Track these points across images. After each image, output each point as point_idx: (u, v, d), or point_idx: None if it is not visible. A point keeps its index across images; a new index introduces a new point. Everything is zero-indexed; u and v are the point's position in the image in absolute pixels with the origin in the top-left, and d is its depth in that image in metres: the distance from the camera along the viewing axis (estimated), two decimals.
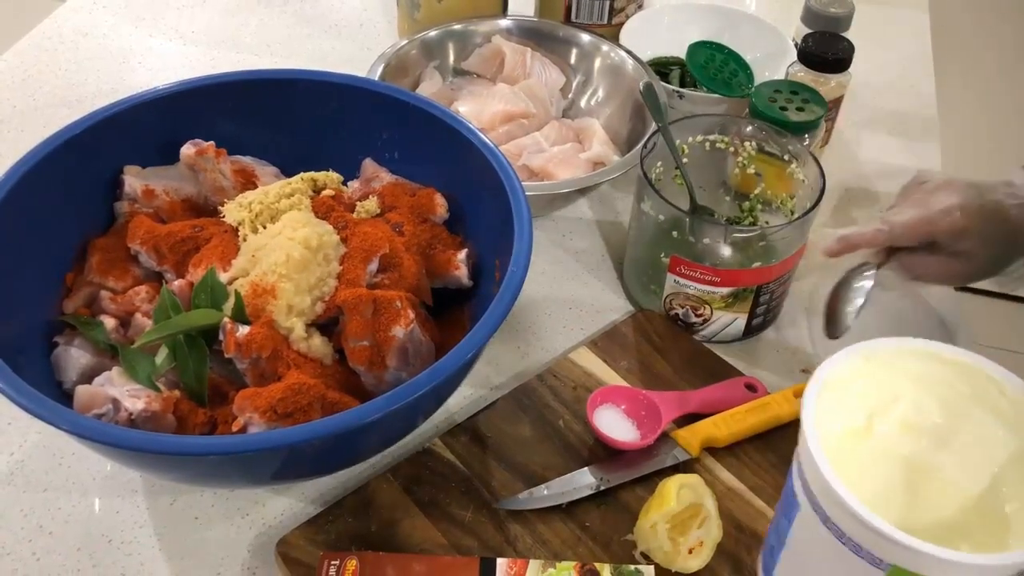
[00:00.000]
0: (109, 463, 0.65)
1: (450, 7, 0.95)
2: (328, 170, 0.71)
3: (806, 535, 0.49)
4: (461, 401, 0.69)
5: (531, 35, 0.94)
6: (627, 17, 0.98)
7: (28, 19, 1.13)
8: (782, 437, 0.65)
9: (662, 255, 0.71)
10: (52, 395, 0.50)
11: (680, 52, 0.94)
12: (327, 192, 0.69)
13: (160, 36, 1.09)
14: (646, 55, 0.93)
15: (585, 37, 0.93)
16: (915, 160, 0.95)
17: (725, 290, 0.70)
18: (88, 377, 0.59)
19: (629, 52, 0.90)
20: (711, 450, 0.64)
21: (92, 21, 1.10)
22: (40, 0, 1.36)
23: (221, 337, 0.57)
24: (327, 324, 0.61)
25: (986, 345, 0.88)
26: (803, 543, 0.50)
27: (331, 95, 0.72)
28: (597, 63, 0.92)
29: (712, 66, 0.91)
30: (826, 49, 0.85)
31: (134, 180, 0.68)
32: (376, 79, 0.84)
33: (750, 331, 0.74)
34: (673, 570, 0.57)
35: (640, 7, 1.01)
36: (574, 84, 0.94)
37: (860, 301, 0.66)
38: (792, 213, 0.75)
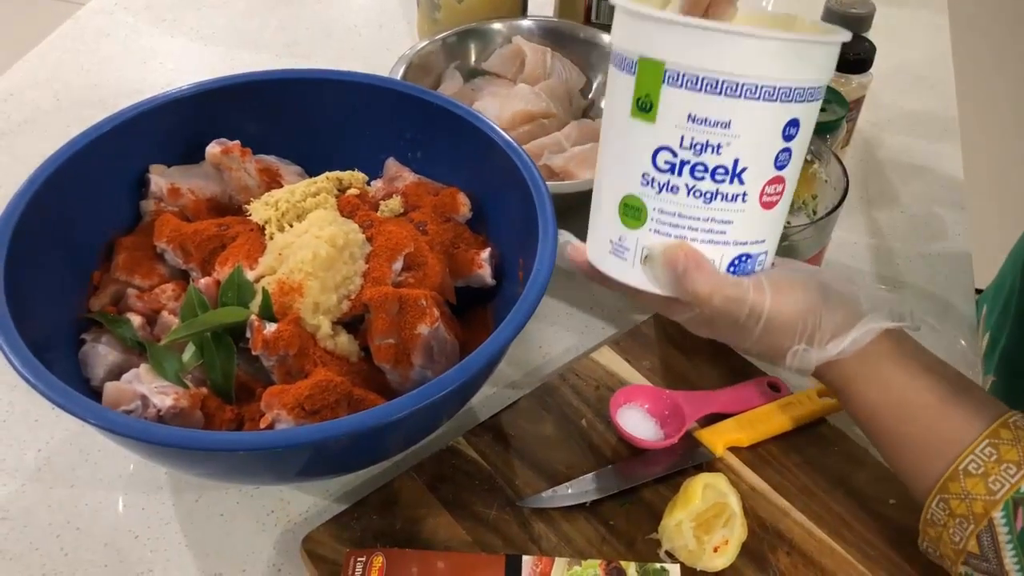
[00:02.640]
0: (134, 461, 0.65)
1: (470, 8, 0.96)
2: (352, 169, 0.72)
3: (608, 105, 0.53)
4: (483, 399, 0.69)
5: (551, 36, 0.95)
6: None
7: (50, 22, 1.14)
8: (806, 437, 0.65)
9: None
10: (80, 392, 0.51)
11: None
12: (352, 191, 0.69)
13: (181, 37, 1.09)
14: None
15: (605, 38, 0.93)
16: (936, 160, 0.95)
17: None
18: (116, 374, 0.59)
19: None
20: (735, 450, 0.64)
21: (113, 22, 1.11)
22: (61, 4, 1.37)
23: (248, 334, 0.58)
24: (353, 322, 0.61)
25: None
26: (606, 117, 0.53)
27: (354, 95, 0.72)
28: None
29: None
30: (847, 49, 0.85)
31: (159, 179, 0.68)
32: (398, 79, 0.84)
33: None
34: (698, 568, 0.57)
35: None
36: (594, 84, 0.94)
37: None
38: (814, 213, 0.75)
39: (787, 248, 0.69)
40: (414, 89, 0.72)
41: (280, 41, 1.09)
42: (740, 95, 0.47)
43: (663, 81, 0.48)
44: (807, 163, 0.75)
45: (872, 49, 0.86)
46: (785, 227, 0.72)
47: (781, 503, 0.61)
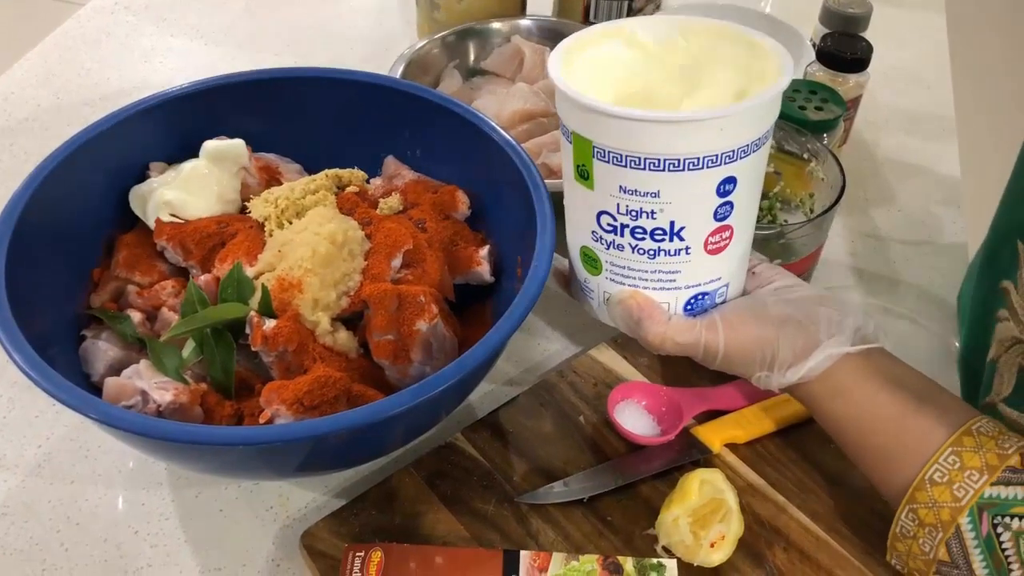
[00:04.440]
0: (134, 457, 0.65)
1: (469, 7, 0.96)
2: (352, 167, 0.72)
3: (563, 166, 0.54)
4: (481, 396, 0.70)
5: (550, 35, 0.95)
6: None
7: (51, 21, 1.15)
8: (802, 433, 0.65)
9: None
10: (81, 387, 0.51)
11: None
12: (351, 189, 0.70)
13: (181, 36, 1.10)
14: None
15: None
16: (932, 160, 0.95)
17: None
18: (116, 370, 0.60)
19: None
20: (732, 446, 0.64)
21: (114, 21, 1.11)
22: (62, 4, 1.38)
23: (248, 330, 0.58)
24: (352, 318, 0.61)
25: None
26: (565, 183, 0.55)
27: (354, 93, 0.73)
28: None
29: None
30: (845, 49, 0.86)
31: (160, 176, 0.68)
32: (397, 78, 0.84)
33: None
34: (695, 564, 0.57)
35: (658, 7, 1.01)
36: None
37: None
38: (811, 212, 0.75)
39: (784, 247, 0.70)
40: (413, 87, 0.72)
41: (280, 40, 1.09)
42: (664, 169, 0.48)
43: (593, 156, 0.50)
44: (804, 161, 0.75)
45: (869, 49, 0.86)
46: (781, 225, 0.73)
47: (778, 499, 0.61)
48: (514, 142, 0.66)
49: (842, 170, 0.71)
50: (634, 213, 0.50)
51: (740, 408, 0.66)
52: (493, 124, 0.68)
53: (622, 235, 0.52)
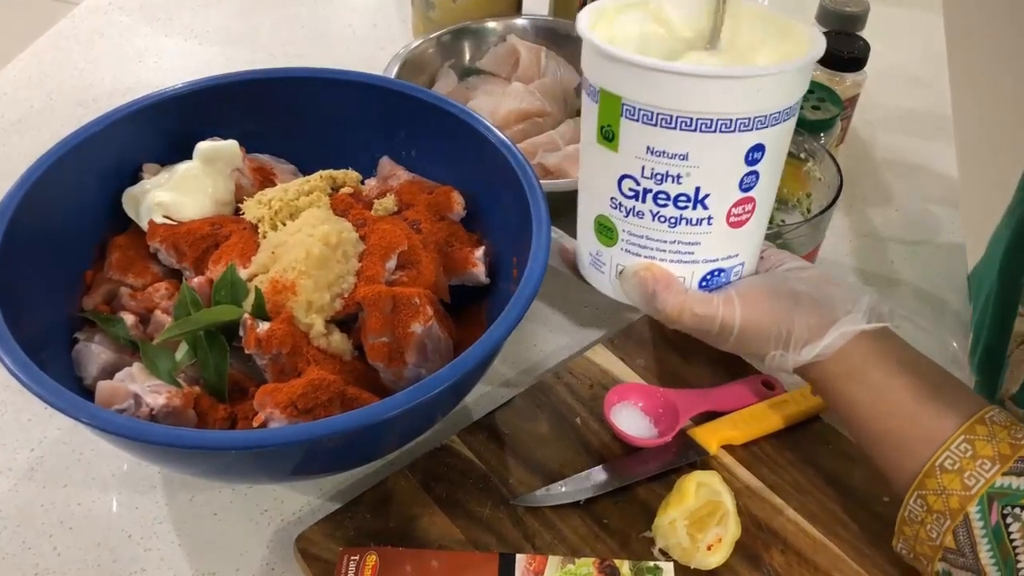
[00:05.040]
0: (127, 460, 0.65)
1: (465, 6, 0.96)
2: (346, 168, 0.72)
3: (582, 127, 0.53)
4: (477, 398, 0.69)
5: (546, 34, 0.94)
6: None
7: (44, 21, 1.14)
8: (800, 434, 0.65)
9: None
10: (73, 391, 0.50)
11: None
12: (345, 190, 0.69)
13: (176, 36, 1.09)
14: None
15: None
16: (930, 159, 0.95)
17: None
18: (109, 373, 0.59)
19: None
20: (728, 448, 0.64)
21: (108, 21, 1.11)
22: (56, 4, 1.37)
23: (241, 333, 0.58)
24: (346, 320, 0.61)
25: None
26: (582, 137, 0.54)
27: (348, 93, 0.72)
28: None
29: None
30: (842, 48, 0.85)
31: (153, 178, 0.68)
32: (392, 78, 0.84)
33: None
34: (692, 567, 0.57)
35: None
36: None
37: None
38: (808, 211, 0.75)
39: (782, 247, 0.69)
40: (408, 87, 0.72)
41: (275, 40, 1.09)
42: (696, 129, 0.48)
43: (621, 114, 0.49)
44: (801, 161, 0.75)
45: (866, 48, 0.86)
46: (779, 225, 0.73)
47: (775, 501, 0.61)
48: (509, 142, 0.66)
49: (839, 170, 0.71)
50: (659, 177, 0.49)
51: (737, 409, 0.66)
52: (488, 124, 0.68)
53: (644, 200, 0.51)
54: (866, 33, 0.89)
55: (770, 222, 0.77)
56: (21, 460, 0.65)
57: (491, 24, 0.94)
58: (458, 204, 0.69)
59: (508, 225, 0.65)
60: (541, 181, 0.64)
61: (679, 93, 0.47)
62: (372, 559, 0.55)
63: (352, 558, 0.55)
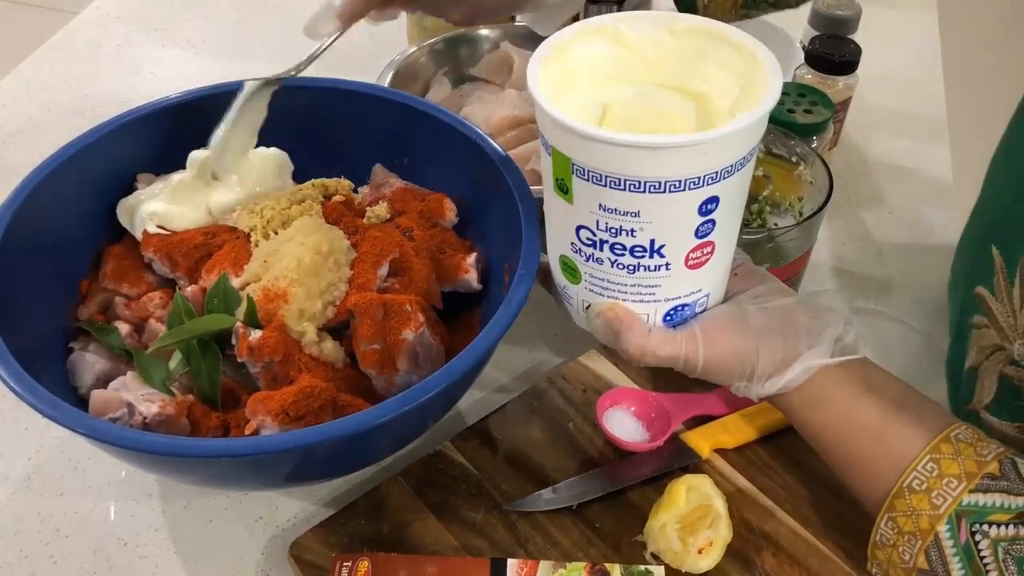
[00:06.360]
0: (124, 468, 0.65)
1: None
2: (338, 177, 0.72)
3: (543, 174, 0.53)
4: (471, 404, 0.70)
5: (539, 42, 0.94)
6: None
7: (42, 33, 1.15)
8: (791, 438, 0.65)
9: None
10: (68, 400, 0.51)
11: None
12: (337, 198, 0.70)
13: (172, 46, 1.10)
14: None
15: None
16: (924, 162, 0.95)
17: None
18: (103, 382, 0.60)
19: None
20: (721, 452, 0.64)
21: (105, 32, 1.12)
22: (54, 15, 1.38)
23: (234, 341, 0.58)
24: (338, 328, 0.61)
25: None
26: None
27: (342, 102, 0.73)
28: None
29: None
30: (833, 51, 0.86)
31: (147, 188, 0.68)
32: (386, 86, 0.84)
33: None
34: (683, 570, 0.57)
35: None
36: None
37: None
38: (800, 215, 0.75)
39: (774, 250, 0.70)
40: (401, 96, 0.73)
41: (270, 50, 1.10)
42: (645, 191, 0.48)
43: (572, 173, 0.49)
44: (792, 165, 0.75)
45: (858, 51, 0.86)
46: (771, 229, 0.73)
47: (767, 504, 0.61)
48: (501, 150, 0.66)
49: (830, 173, 0.71)
50: (614, 230, 0.50)
51: (729, 413, 0.66)
52: (480, 132, 0.68)
53: (601, 250, 0.51)
54: (859, 36, 0.90)
55: (762, 226, 0.78)
56: (18, 469, 0.65)
57: (484, 31, 0.95)
58: (450, 211, 0.69)
59: (500, 231, 0.66)
60: (533, 187, 0.64)
61: (625, 160, 0.47)
62: (364, 565, 0.55)
63: (344, 564, 0.56)
